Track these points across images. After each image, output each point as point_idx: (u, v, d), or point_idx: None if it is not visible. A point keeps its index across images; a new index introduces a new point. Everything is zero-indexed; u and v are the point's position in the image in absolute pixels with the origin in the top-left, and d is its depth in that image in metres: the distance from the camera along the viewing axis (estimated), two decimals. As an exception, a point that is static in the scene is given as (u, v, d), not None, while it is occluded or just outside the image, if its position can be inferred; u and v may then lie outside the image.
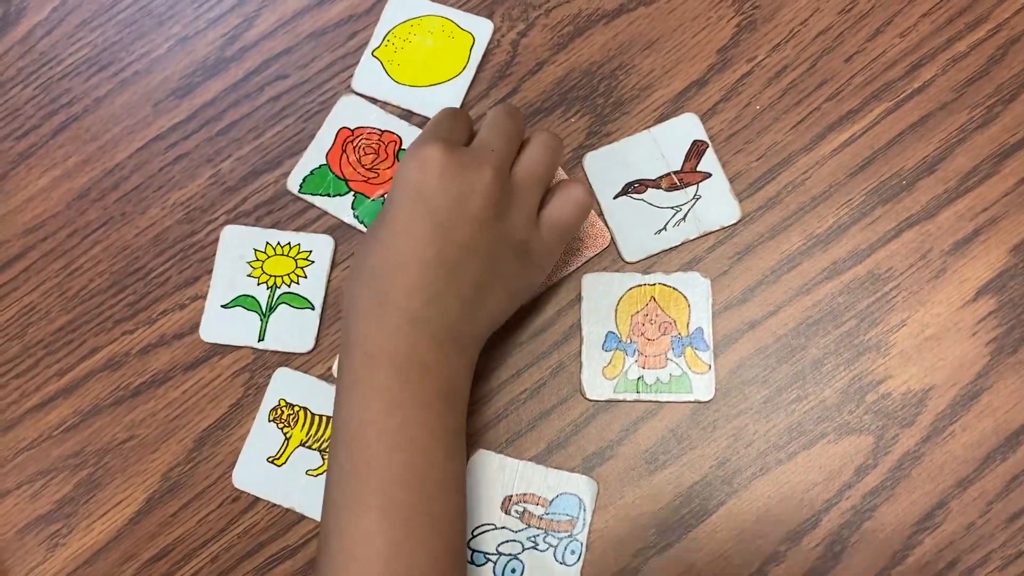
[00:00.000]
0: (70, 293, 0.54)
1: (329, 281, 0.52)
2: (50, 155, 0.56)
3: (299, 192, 0.53)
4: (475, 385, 0.48)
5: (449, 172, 0.41)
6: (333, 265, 0.52)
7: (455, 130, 0.44)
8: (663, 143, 0.51)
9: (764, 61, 0.53)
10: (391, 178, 0.53)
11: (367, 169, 0.53)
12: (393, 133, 0.54)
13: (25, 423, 0.52)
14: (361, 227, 0.52)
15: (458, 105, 0.53)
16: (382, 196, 0.52)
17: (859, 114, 0.51)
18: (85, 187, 0.55)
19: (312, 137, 0.54)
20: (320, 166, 0.54)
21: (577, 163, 0.52)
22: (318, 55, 0.56)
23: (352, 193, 0.53)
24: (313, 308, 0.52)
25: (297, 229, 0.53)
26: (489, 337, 0.47)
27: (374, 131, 0.54)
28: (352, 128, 0.54)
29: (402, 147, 0.53)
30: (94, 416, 0.52)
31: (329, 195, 0.53)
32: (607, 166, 0.51)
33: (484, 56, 0.54)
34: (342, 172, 0.53)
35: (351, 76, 0.55)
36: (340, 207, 0.53)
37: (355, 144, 0.54)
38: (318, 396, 0.50)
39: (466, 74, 0.54)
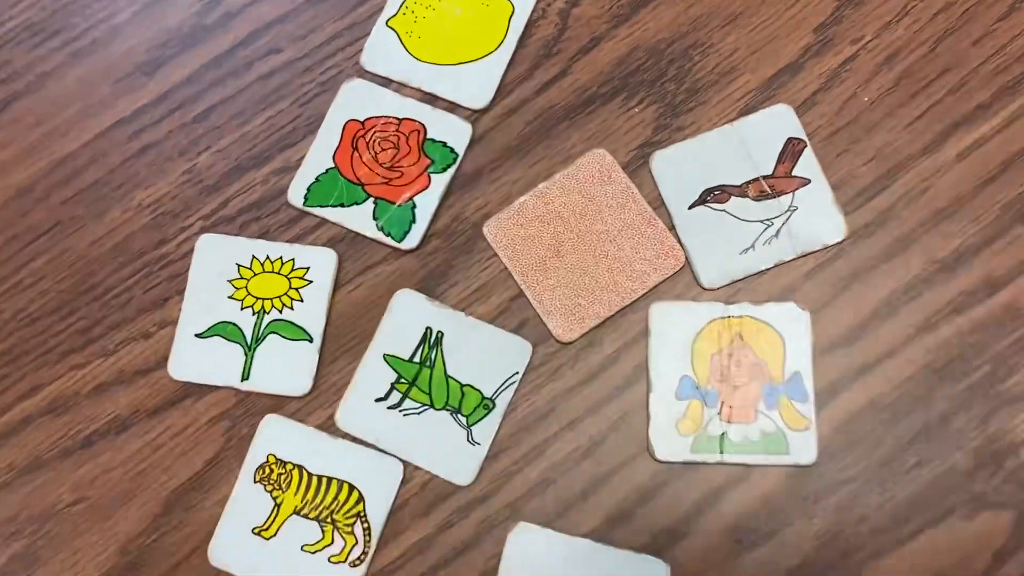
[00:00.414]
0: (5, 316, 0.43)
1: (331, 306, 0.42)
2: None
3: (304, 206, 0.43)
4: (515, 438, 0.40)
5: None
6: (337, 286, 0.43)
7: None
8: (750, 141, 0.42)
9: (872, 42, 0.43)
10: (418, 177, 0.44)
11: (387, 168, 0.44)
12: (414, 120, 0.44)
13: None
14: (389, 240, 0.42)
15: (493, 89, 0.44)
16: (411, 200, 0.43)
17: (990, 110, 0.42)
18: (27, 183, 0.45)
19: (310, 126, 0.45)
20: (328, 170, 0.44)
21: (642, 164, 0.43)
22: (319, 24, 0.46)
23: (372, 199, 0.43)
24: (311, 340, 0.42)
25: (291, 240, 0.43)
26: (531, 379, 0.39)
27: (390, 120, 0.44)
28: (362, 119, 0.44)
29: (427, 136, 0.44)
30: (33, 472, 0.42)
31: (344, 205, 0.43)
32: (680, 168, 0.42)
33: (526, 28, 0.45)
34: (356, 175, 0.44)
35: (360, 51, 0.45)
36: (359, 218, 0.43)
37: (368, 138, 0.44)
38: (316, 451, 0.40)
39: (503, 51, 0.44)
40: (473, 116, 0.44)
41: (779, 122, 0.42)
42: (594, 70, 0.44)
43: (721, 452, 0.39)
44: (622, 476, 0.40)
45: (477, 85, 0.44)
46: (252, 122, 0.45)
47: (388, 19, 0.46)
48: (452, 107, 0.44)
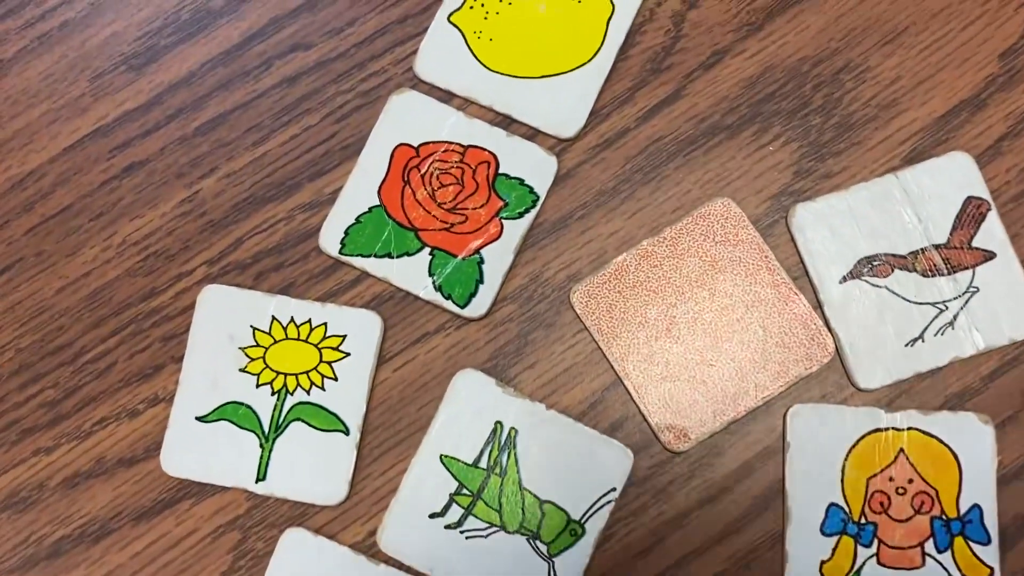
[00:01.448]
0: None
1: (373, 387, 0.35)
2: None
3: (341, 254, 0.35)
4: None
5: None
6: (380, 361, 0.35)
7: None
8: (918, 198, 0.34)
9: (1076, 74, 0.36)
10: (487, 223, 0.35)
11: (448, 210, 0.35)
12: (483, 149, 0.36)
13: None
14: (449, 304, 0.34)
15: (586, 113, 0.35)
16: (478, 252, 0.34)
17: None
18: None
19: (348, 149, 0.36)
20: (371, 209, 0.35)
21: (779, 219, 0.35)
22: (360, 15, 0.37)
23: (428, 250, 0.35)
24: (347, 432, 0.34)
25: (323, 298, 0.35)
26: (632, 498, 0.31)
27: (452, 147, 0.36)
28: (416, 144, 0.36)
29: (500, 171, 0.36)
30: None
31: (391, 255, 0.34)
32: (829, 228, 0.34)
33: (629, 35, 0.36)
34: (408, 217, 0.35)
35: (413, 54, 0.36)
36: (411, 274, 0.34)
37: (424, 170, 0.35)
38: None
39: (600, 62, 0.36)
40: (559, 147, 0.35)
41: (955, 175, 0.34)
42: (716, 94, 0.36)
43: (876, 606, 0.32)
44: (748, 630, 0.33)
45: (565, 107, 0.35)
46: (272, 140, 0.36)
47: (451, 13, 0.36)
48: (532, 134, 0.35)
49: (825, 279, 0.34)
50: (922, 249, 0.34)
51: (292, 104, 0.36)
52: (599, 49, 0.36)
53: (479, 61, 0.36)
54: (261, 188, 0.36)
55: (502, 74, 0.36)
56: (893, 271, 0.34)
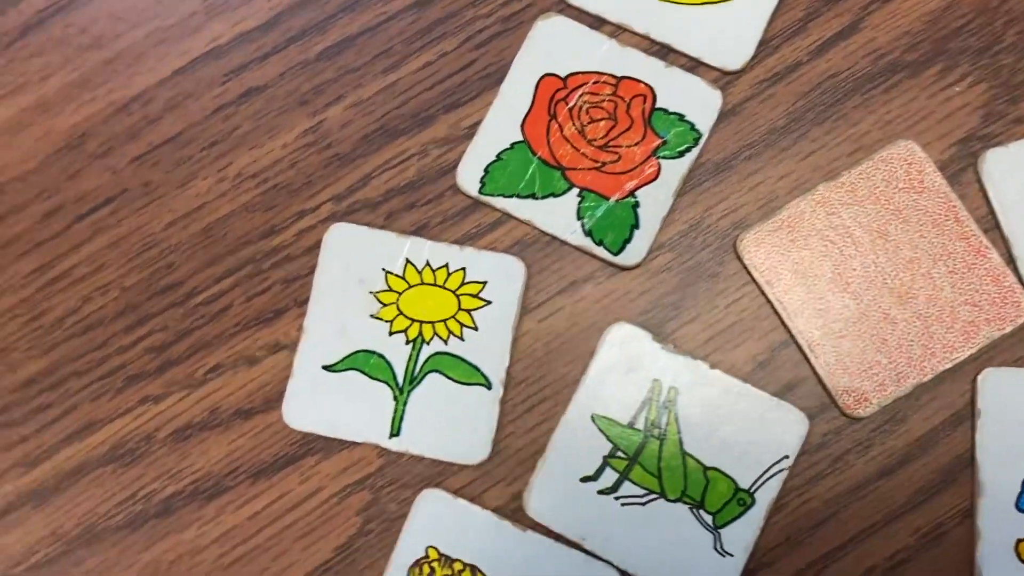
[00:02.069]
0: (46, 319, 0.32)
1: (516, 339, 0.32)
2: (14, 68, 0.34)
3: (481, 194, 0.32)
4: (782, 550, 0.29)
5: None
6: (524, 310, 0.32)
7: None
8: None
9: None
10: (643, 162, 0.32)
11: (599, 147, 0.32)
12: (638, 81, 0.33)
13: None
14: (600, 251, 0.31)
15: (754, 43, 0.32)
16: (632, 195, 0.31)
17: None
18: (78, 130, 0.33)
19: (488, 78, 0.33)
20: (514, 145, 0.32)
21: (967, 165, 0.32)
22: None
23: (576, 191, 0.32)
24: (489, 386, 0.31)
25: (461, 240, 0.32)
26: (805, 466, 0.29)
27: (604, 78, 0.33)
28: (564, 75, 0.33)
29: (657, 106, 0.33)
30: (88, 545, 0.31)
31: (536, 196, 0.32)
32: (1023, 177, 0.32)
33: (800, -39, 0.34)
34: (554, 154, 0.32)
35: None
36: (558, 216, 0.31)
37: (573, 103, 0.32)
38: (496, 546, 0.30)
39: None
40: (723, 80, 0.32)
41: None
42: (897, 27, 0.33)
43: (1080, 590, 0.30)
44: (936, 613, 0.30)
45: (730, 36, 0.32)
46: (403, 66, 0.33)
47: (602, -69, 0.34)
48: (693, 65, 0.32)
49: (1018, 233, 0.31)
50: None
51: (426, 28, 0.34)
52: (768, -25, 0.34)
53: (635, -15, 0.34)
54: (392, 119, 0.33)
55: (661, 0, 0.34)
56: (1098, 225, 0.31)
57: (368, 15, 0.34)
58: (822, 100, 0.33)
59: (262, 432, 0.32)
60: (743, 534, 0.30)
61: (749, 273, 0.32)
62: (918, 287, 0.31)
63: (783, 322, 0.31)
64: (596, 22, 0.33)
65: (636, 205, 0.32)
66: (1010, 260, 0.31)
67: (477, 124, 0.33)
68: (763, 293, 0.31)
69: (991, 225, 0.32)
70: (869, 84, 0.33)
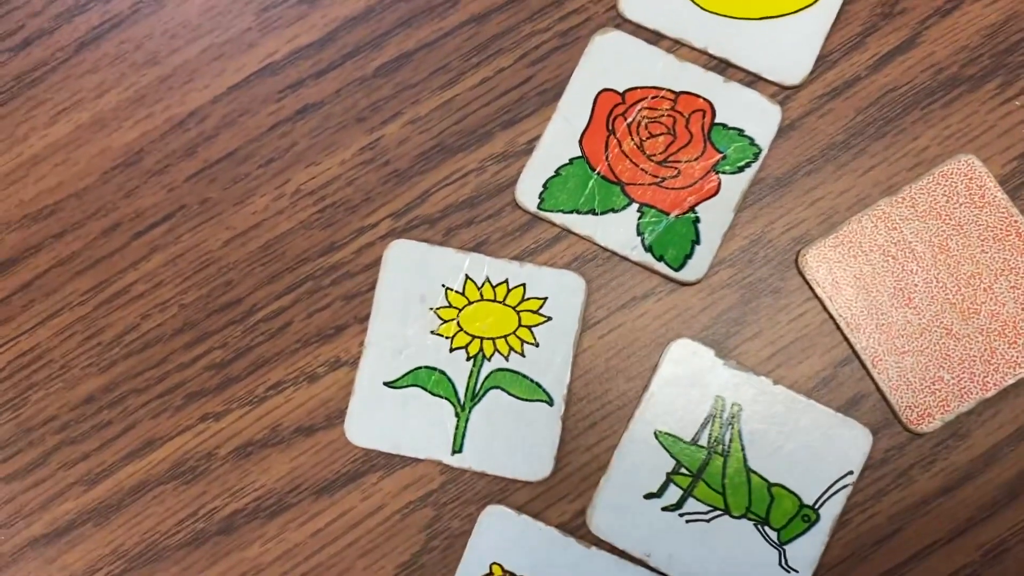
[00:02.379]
0: (105, 336, 0.33)
1: (577, 354, 0.32)
2: (70, 84, 0.34)
3: (540, 209, 0.32)
4: (847, 566, 0.29)
5: None
6: (584, 327, 0.32)
7: None
8: None
9: None
10: (703, 177, 0.32)
11: (659, 163, 0.33)
12: (697, 96, 0.33)
13: (21, 565, 0.31)
14: (661, 267, 0.31)
15: (812, 58, 0.32)
16: (693, 210, 0.31)
17: None
18: (134, 147, 0.34)
19: (546, 94, 0.33)
20: (572, 160, 0.32)
21: (1023, 184, 0.33)
22: None
23: (636, 206, 0.32)
24: (551, 402, 0.31)
25: (520, 256, 0.32)
26: (870, 481, 0.29)
27: (663, 93, 0.33)
28: (622, 90, 0.33)
29: (716, 121, 0.33)
30: (147, 564, 0.31)
31: (595, 212, 0.32)
32: (1083, 191, 0.32)
33: (858, -25, 0.34)
34: (612, 170, 0.32)
35: None
36: (618, 232, 0.32)
37: (632, 118, 0.33)
38: (561, 563, 0.30)
39: (826, 4, 0.33)
40: (782, 95, 0.33)
41: None
42: (955, 41, 0.33)
43: None
44: (1004, 630, 0.30)
45: (788, 51, 0.33)
46: (460, 82, 0.34)
47: (658, -54, 0.34)
48: (752, 80, 0.33)
49: (1083, 248, 0.32)
50: None
51: (483, 44, 0.34)
52: (825, -11, 0.34)
53: (692, 0, 0.34)
54: (450, 136, 0.33)
55: (717, 14, 0.33)
56: None
57: (425, 30, 0.34)
58: (881, 115, 0.33)
59: (324, 449, 0.32)
60: (808, 550, 0.30)
61: (811, 288, 0.32)
62: (980, 302, 0.32)
63: (845, 337, 0.31)
64: (653, 37, 0.33)
65: (696, 220, 0.32)
66: (1073, 275, 0.32)
67: (535, 140, 0.33)
68: (825, 308, 0.32)
69: (1053, 240, 0.32)
70: (928, 98, 0.33)
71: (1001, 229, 0.32)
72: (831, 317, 0.32)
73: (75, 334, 0.33)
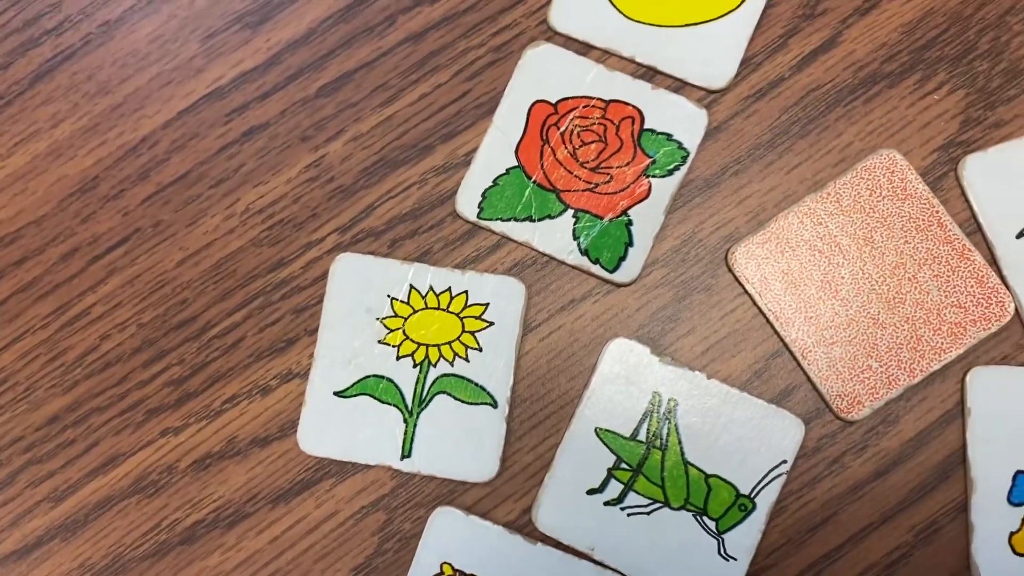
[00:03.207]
0: (68, 357, 0.34)
1: (519, 357, 0.33)
2: (26, 116, 0.36)
3: (479, 218, 0.33)
4: (784, 552, 0.31)
5: None
6: (525, 330, 0.34)
7: None
8: None
9: None
10: (634, 181, 0.34)
11: (591, 169, 0.34)
12: (627, 104, 0.34)
13: None
14: (597, 269, 0.32)
15: (736, 61, 0.33)
16: (624, 214, 0.33)
17: None
18: (90, 174, 0.35)
19: (482, 107, 0.34)
20: (509, 170, 0.34)
21: (948, 171, 0.33)
22: None
23: (570, 211, 0.33)
24: (494, 404, 0.32)
25: (462, 265, 0.33)
26: (803, 470, 0.30)
27: (595, 103, 0.34)
28: (554, 101, 0.34)
29: (645, 126, 0.34)
30: (116, 575, 0.33)
31: (532, 219, 0.33)
32: (1002, 180, 0.32)
33: (779, -20, 0.35)
34: (548, 178, 0.34)
35: (547, 4, 0.35)
36: (554, 237, 0.33)
37: (564, 127, 0.34)
38: (509, 561, 0.31)
39: (749, 8, 0.34)
40: (708, 99, 0.34)
41: None
42: (874, 39, 0.34)
43: (1073, 578, 0.31)
44: (935, 607, 0.32)
45: (713, 56, 0.34)
46: (400, 99, 0.35)
47: (586, -40, 0.36)
48: (679, 86, 0.34)
49: (1001, 234, 0.32)
50: (1107, 200, 0.33)
51: (420, 61, 0.35)
52: (747, -5, 0.35)
53: (618, 10, 0.35)
54: (391, 151, 0.35)
55: (644, 23, 0.34)
56: (1077, 224, 0.32)
57: (364, 50, 0.36)
58: (805, 114, 0.34)
59: (278, 459, 0.33)
60: (745, 538, 0.31)
61: (741, 285, 0.33)
62: (905, 292, 0.33)
63: (776, 331, 0.33)
64: (583, 48, 0.35)
65: (629, 223, 0.34)
66: (993, 261, 0.33)
67: (474, 151, 0.34)
68: (755, 304, 0.33)
69: (973, 228, 0.33)
70: (850, 96, 0.34)
71: (923, 220, 0.33)
72: (761, 312, 0.33)
73: (38, 357, 0.34)
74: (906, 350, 0.32)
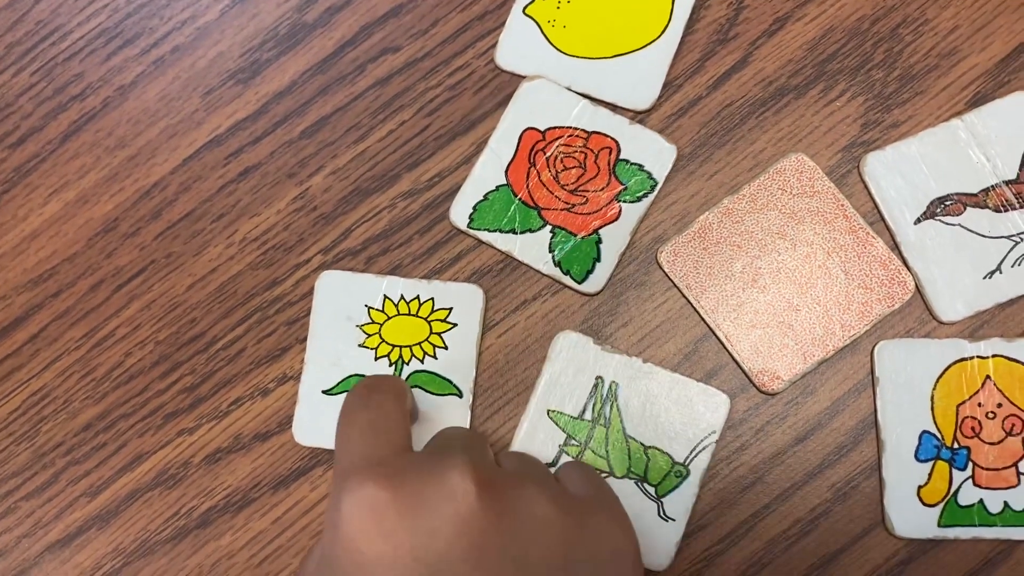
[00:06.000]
0: (97, 373, 0.40)
1: (480, 353, 0.38)
2: (58, 170, 0.42)
3: (469, 227, 0.38)
4: (717, 512, 0.35)
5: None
6: (485, 329, 0.38)
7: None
8: (984, 139, 0.37)
9: None
10: (607, 204, 0.38)
11: (570, 191, 0.38)
12: (606, 135, 0.38)
13: (42, 567, 0.38)
14: (568, 280, 0.37)
15: (658, 85, 0.38)
16: (595, 232, 0.37)
17: None
18: (111, 216, 0.41)
19: (440, 139, 0.40)
20: (498, 187, 0.39)
21: (851, 169, 0.37)
22: (443, 16, 0.41)
23: (548, 226, 0.38)
24: (460, 394, 0.37)
25: (428, 275, 0.39)
26: (731, 439, 0.34)
27: (578, 133, 0.39)
28: (543, 129, 0.39)
29: (621, 157, 0.38)
30: (142, 557, 0.38)
31: (515, 231, 0.38)
32: (900, 174, 0.36)
33: (694, 10, 0.39)
34: (531, 196, 0.38)
35: (493, 47, 0.40)
36: (531, 247, 0.38)
37: (550, 153, 0.39)
38: None
39: (668, 38, 0.39)
40: (636, 119, 0.39)
41: (1020, 114, 0.37)
42: (781, 57, 0.39)
43: (976, 525, 0.34)
44: (853, 557, 0.35)
45: (639, 81, 0.39)
46: (371, 136, 0.40)
47: (525, 7, 0.40)
48: (611, 109, 0.39)
49: (900, 222, 0.37)
50: (992, 186, 0.36)
51: (387, 102, 0.41)
52: (667, 26, 0.39)
53: (555, 47, 0.40)
54: (364, 181, 0.40)
55: (577, 57, 0.40)
56: (965, 209, 0.36)
57: (339, 96, 0.41)
58: (722, 126, 0.39)
59: (278, 451, 0.39)
60: (682, 501, 0.36)
61: (670, 279, 0.38)
62: (816, 277, 0.37)
63: (703, 319, 0.37)
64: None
65: (599, 241, 0.38)
66: (895, 246, 0.37)
67: (435, 177, 0.40)
68: (684, 295, 0.37)
69: (876, 218, 0.37)
70: (761, 108, 0.39)
71: (830, 213, 0.37)
72: (689, 302, 0.37)
73: (73, 374, 0.41)
74: (819, 329, 0.36)
